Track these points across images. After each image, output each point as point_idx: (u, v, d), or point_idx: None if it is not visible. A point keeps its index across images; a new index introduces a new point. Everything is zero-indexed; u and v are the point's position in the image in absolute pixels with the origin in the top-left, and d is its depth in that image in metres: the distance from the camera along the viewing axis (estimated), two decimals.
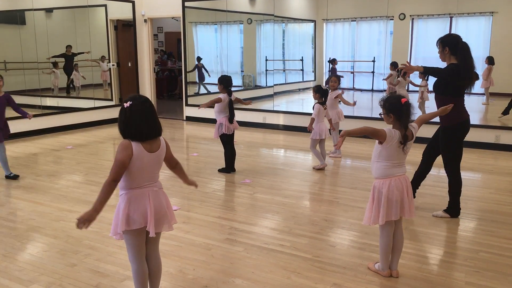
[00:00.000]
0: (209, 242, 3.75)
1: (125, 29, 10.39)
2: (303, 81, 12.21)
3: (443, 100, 4.02)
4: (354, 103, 6.68)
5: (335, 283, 3.09)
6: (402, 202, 2.99)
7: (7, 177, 5.58)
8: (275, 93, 10.12)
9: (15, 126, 8.03)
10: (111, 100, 10.38)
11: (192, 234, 3.92)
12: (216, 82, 5.77)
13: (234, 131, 5.79)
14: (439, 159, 4.30)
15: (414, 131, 3.00)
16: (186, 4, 9.83)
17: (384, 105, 3.00)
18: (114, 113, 9.90)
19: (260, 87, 12.01)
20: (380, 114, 3.07)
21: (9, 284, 3.08)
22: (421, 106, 8.37)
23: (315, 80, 12.00)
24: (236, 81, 11.93)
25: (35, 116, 8.48)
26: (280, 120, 9.15)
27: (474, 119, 7.67)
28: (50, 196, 4.96)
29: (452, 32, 9.07)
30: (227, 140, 5.80)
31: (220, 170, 5.92)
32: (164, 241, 3.75)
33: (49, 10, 9.70)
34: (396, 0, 8.93)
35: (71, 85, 10.34)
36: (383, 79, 9.16)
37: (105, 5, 9.91)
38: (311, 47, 12.03)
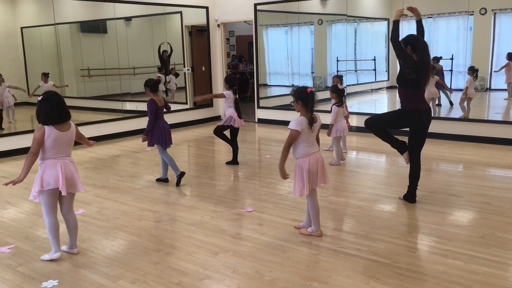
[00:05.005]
0: (284, 244, 3.77)
1: (199, 34, 10.70)
2: (375, 81, 11.93)
3: (404, 92, 4.41)
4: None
5: None
6: (317, 174, 3.68)
7: (179, 177, 5.51)
8: (347, 94, 9.96)
9: (99, 130, 8.56)
10: (186, 103, 10.72)
11: (267, 236, 3.96)
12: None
13: (239, 127, 6.32)
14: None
15: (318, 116, 3.71)
16: (258, 7, 9.95)
17: (294, 94, 3.66)
18: (189, 116, 10.24)
19: None
20: (291, 103, 3.70)
21: (98, 279, 3.28)
22: (468, 102, 8.20)
23: (388, 80, 11.68)
24: (307, 82, 11.89)
25: (117, 120, 8.99)
26: (353, 121, 8.99)
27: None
28: (132, 196, 5.21)
29: None
30: (233, 133, 6.36)
31: (228, 163, 6.44)
32: (239, 241, 3.83)
33: (128, 19, 10.21)
34: None
35: (166, 88, 10.84)
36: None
37: (180, 12, 10.26)
38: (384, 46, 11.72)
